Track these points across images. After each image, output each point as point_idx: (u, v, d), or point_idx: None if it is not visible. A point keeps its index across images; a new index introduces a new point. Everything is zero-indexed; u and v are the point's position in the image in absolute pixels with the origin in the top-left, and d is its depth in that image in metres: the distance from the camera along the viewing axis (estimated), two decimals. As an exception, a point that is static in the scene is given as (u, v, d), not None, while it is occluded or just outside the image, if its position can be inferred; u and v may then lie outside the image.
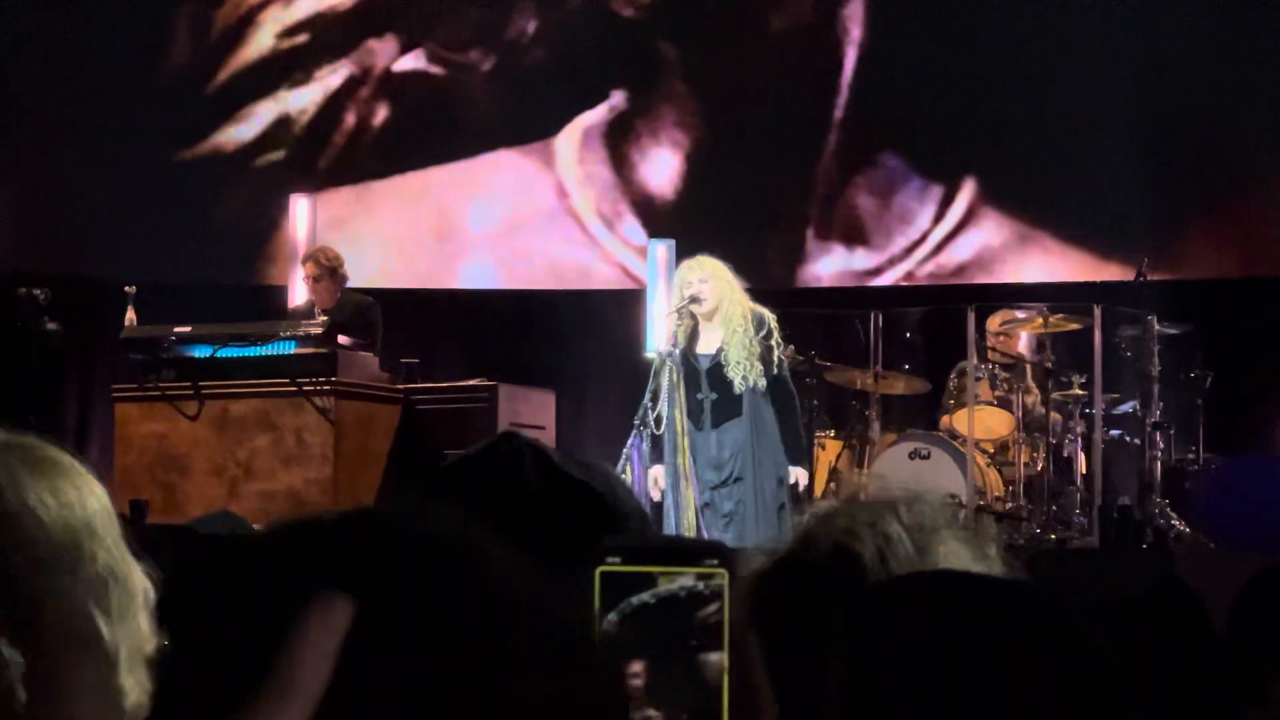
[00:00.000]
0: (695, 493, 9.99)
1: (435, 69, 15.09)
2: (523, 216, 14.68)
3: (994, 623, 1.53)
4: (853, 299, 13.70)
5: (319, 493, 10.95)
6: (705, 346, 10.04)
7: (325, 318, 11.57)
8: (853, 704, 1.53)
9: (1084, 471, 11.76)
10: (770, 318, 10.04)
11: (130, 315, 11.90)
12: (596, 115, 14.95)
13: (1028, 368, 12.06)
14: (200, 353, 11.43)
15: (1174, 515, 11.33)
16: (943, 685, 1.50)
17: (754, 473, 9.93)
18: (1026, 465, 11.68)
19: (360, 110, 15.12)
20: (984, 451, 11.76)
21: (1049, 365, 11.79)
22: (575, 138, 14.97)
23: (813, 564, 1.98)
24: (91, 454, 14.06)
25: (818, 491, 11.67)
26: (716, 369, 9.96)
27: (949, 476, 11.23)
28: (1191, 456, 11.79)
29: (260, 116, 15.05)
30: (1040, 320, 11.86)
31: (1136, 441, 11.76)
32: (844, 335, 13.04)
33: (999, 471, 11.76)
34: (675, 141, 14.88)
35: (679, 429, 9.98)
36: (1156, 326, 11.66)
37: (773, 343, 10.00)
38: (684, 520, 9.99)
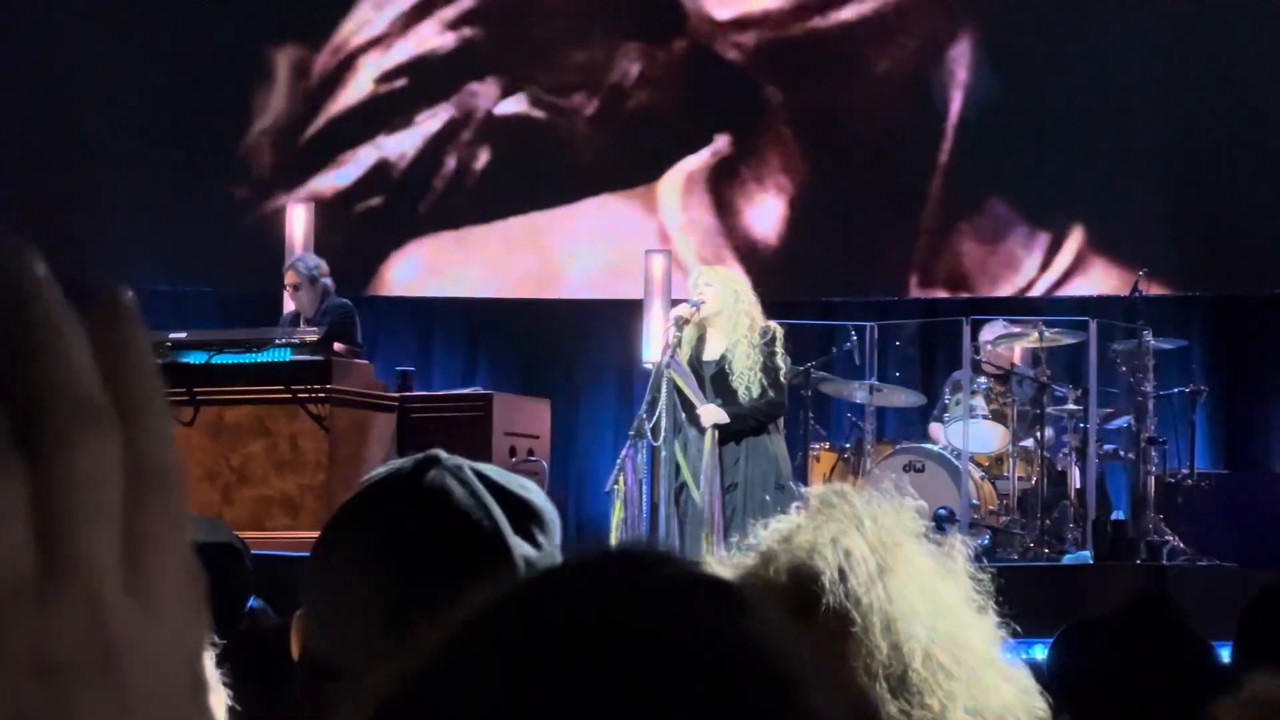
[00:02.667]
0: (712, 500, 9.93)
1: (537, 112, 14.90)
2: (624, 262, 14.23)
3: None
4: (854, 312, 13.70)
5: (313, 499, 10.95)
6: (709, 353, 10.06)
7: (310, 326, 11.59)
8: None
9: (1078, 486, 11.76)
10: (777, 330, 10.07)
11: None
12: (700, 159, 14.74)
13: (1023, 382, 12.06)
14: (196, 359, 11.43)
15: (1168, 531, 11.33)
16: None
17: (751, 481, 9.93)
18: (1020, 479, 11.68)
19: (461, 154, 14.92)
20: (978, 465, 11.76)
21: (1044, 379, 11.79)
22: (678, 182, 14.75)
23: (771, 583, 1.94)
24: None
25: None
26: (720, 375, 9.97)
27: (943, 489, 11.23)
28: (1186, 472, 11.79)
29: (360, 161, 14.92)
30: (1035, 334, 11.87)
31: (1131, 456, 11.76)
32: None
33: (993, 485, 11.76)
34: (779, 186, 14.65)
35: (675, 439, 9.98)
36: (1151, 341, 11.66)
37: (776, 350, 10.01)
38: (681, 531, 9.98)
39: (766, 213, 14.70)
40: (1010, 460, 11.64)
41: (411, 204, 14.91)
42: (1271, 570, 9.90)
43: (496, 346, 14.89)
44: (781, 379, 10.10)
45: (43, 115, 14.33)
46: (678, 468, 9.96)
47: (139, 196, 14.29)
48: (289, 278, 12.01)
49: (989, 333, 12.11)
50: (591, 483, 13.30)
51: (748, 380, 9.91)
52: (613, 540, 9.96)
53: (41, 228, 14.22)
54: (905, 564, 1.96)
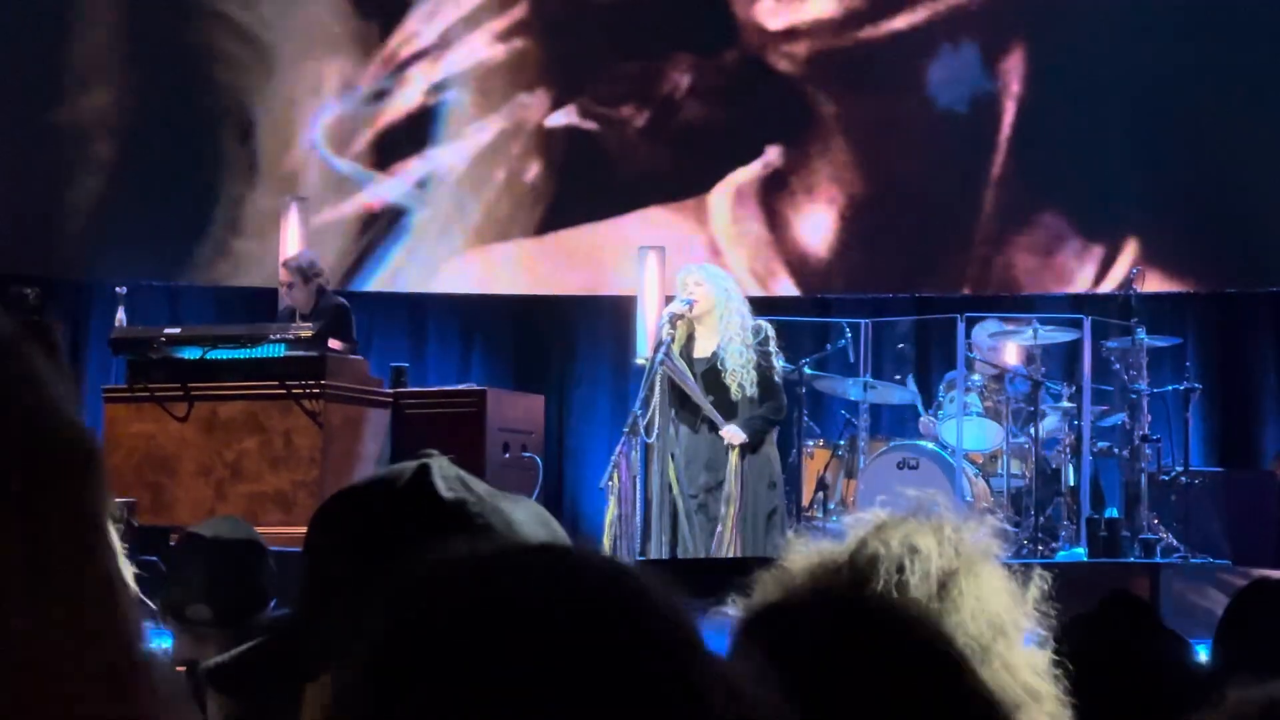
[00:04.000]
0: (680, 501, 10.00)
1: (588, 124, 14.78)
2: (674, 274, 14.20)
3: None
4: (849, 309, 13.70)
5: (306, 495, 10.95)
6: (700, 350, 10.08)
7: (305, 321, 11.59)
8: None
9: (1071, 484, 11.77)
10: (769, 329, 10.10)
11: (120, 316, 11.91)
12: (750, 171, 14.61)
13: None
14: (190, 354, 11.43)
15: (1161, 528, 11.34)
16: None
17: (748, 480, 9.95)
18: (1014, 476, 11.69)
19: (511, 166, 14.84)
20: (972, 462, 11.77)
21: (1038, 377, 11.80)
22: (729, 194, 14.63)
23: (834, 561, 1.97)
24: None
25: (805, 500, 11.69)
26: (712, 372, 9.99)
27: (937, 487, 11.21)
28: (1180, 469, 11.80)
29: (409, 174, 14.84)
30: (1030, 332, 11.88)
31: (1124, 454, 11.77)
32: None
33: (987, 483, 11.77)
34: (829, 198, 14.51)
35: (668, 436, 10.00)
36: (1145, 339, 11.67)
37: (770, 350, 10.05)
38: (674, 527, 10.00)
39: (817, 224, 14.55)
40: (1004, 458, 11.65)
41: (462, 216, 14.85)
42: (1265, 567, 9.92)
43: (490, 342, 14.88)
44: (777, 379, 10.16)
45: (53, 111, 14.32)
46: (672, 456, 9.99)
47: (136, 193, 14.28)
48: (283, 275, 12.02)
49: (983, 330, 12.11)
50: (585, 479, 13.32)
51: (740, 378, 9.94)
52: (606, 537, 9.98)
53: (36, 223, 14.22)
54: (974, 578, 1.98)
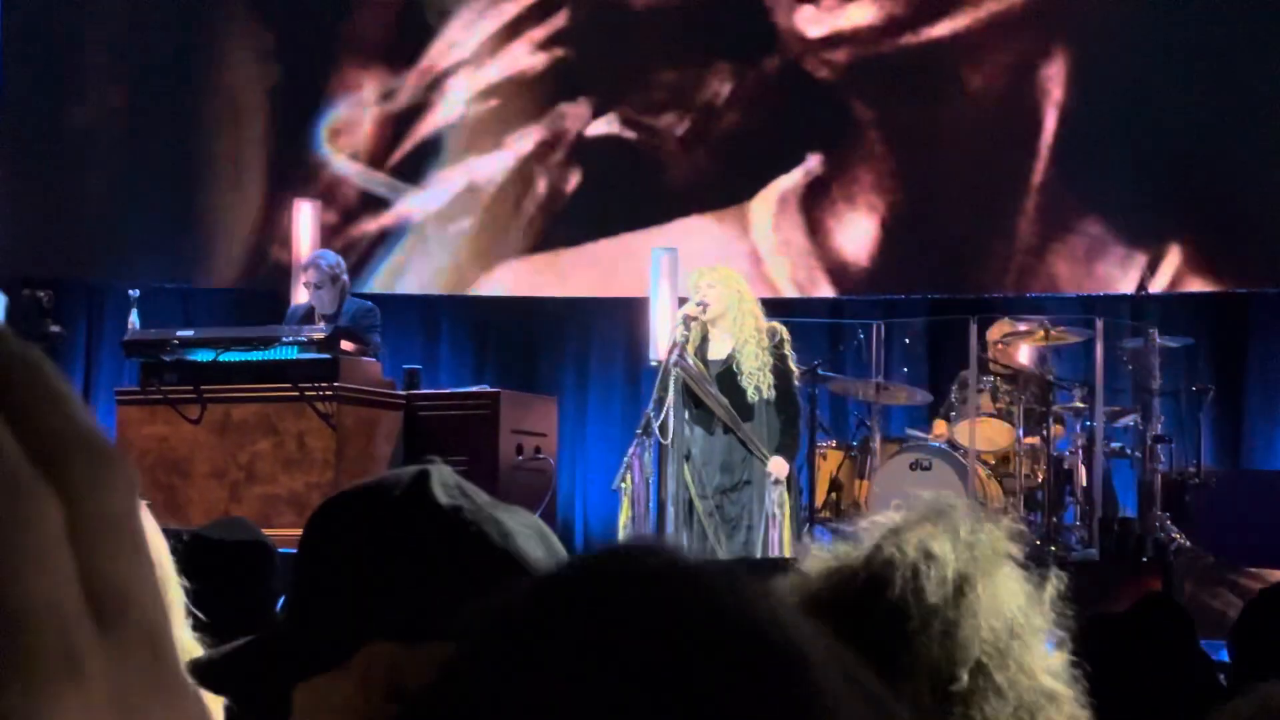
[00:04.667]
0: (697, 503, 10.02)
1: (628, 133, 14.74)
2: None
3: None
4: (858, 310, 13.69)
5: (320, 497, 10.89)
6: (715, 352, 10.09)
7: (324, 322, 11.59)
8: None
9: (1084, 484, 11.76)
10: (783, 332, 10.11)
11: (133, 319, 11.92)
12: (791, 179, 14.54)
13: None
14: (203, 357, 11.44)
15: (1175, 529, 11.33)
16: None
17: (761, 478, 9.96)
18: (1027, 477, 11.68)
19: (552, 176, 14.81)
20: (985, 463, 11.77)
21: (1050, 378, 11.79)
22: (770, 203, 14.57)
23: (848, 567, 1.98)
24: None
25: (818, 501, 11.69)
26: (727, 374, 10.00)
27: (950, 488, 11.23)
28: (1192, 470, 11.80)
29: (449, 184, 14.83)
30: (1042, 332, 11.87)
31: (1137, 455, 11.76)
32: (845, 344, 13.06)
33: (1000, 483, 11.76)
34: (870, 205, 14.44)
35: (683, 437, 10.00)
36: (1158, 340, 11.66)
37: (786, 353, 10.06)
38: (691, 528, 10.00)
39: (858, 232, 14.48)
40: (1017, 458, 11.64)
41: (502, 227, 14.83)
42: (1278, 568, 9.91)
43: (503, 344, 14.89)
44: (795, 383, 10.19)
45: (66, 114, 14.34)
46: (687, 458, 10.00)
47: (148, 194, 14.30)
48: (309, 276, 11.93)
49: (996, 331, 12.11)
50: (598, 481, 13.32)
51: (757, 380, 9.94)
52: (619, 539, 9.99)
53: (51, 225, 14.25)
54: (990, 582, 1.98)
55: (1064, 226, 14.16)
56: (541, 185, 14.81)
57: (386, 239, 14.82)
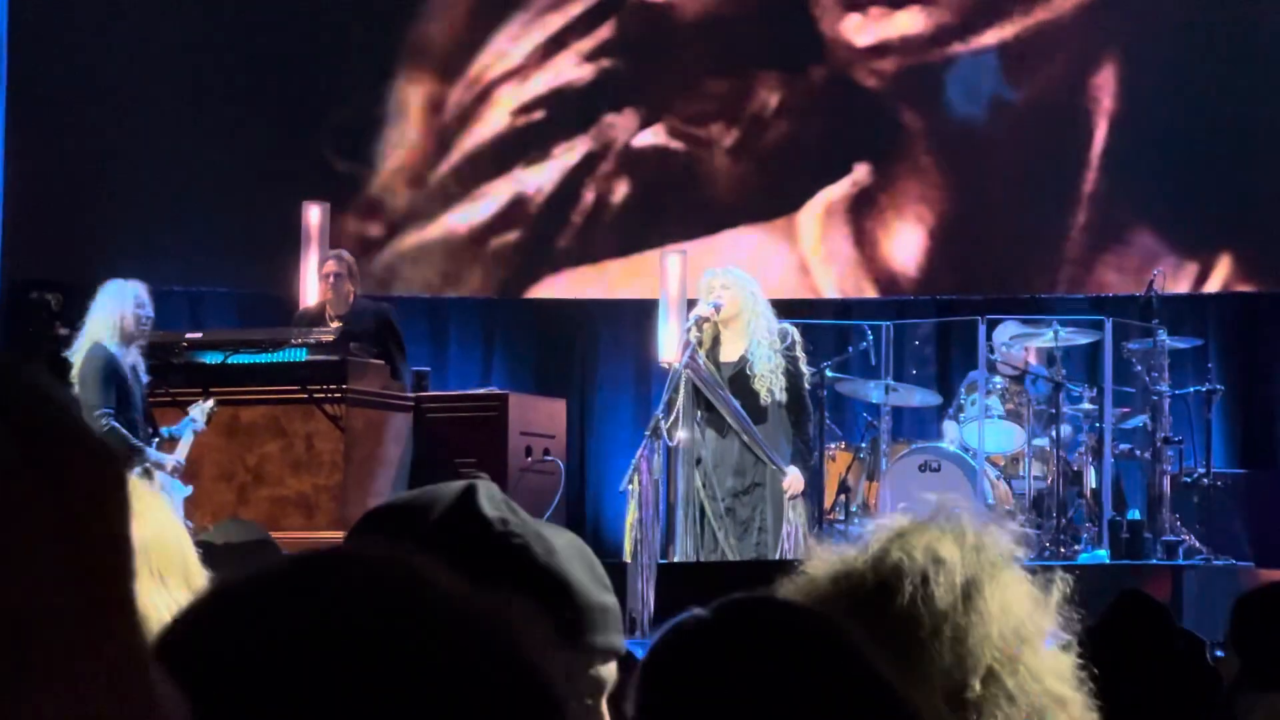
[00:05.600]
0: (707, 504, 10.02)
1: (675, 143, 14.64)
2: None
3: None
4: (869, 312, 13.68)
5: (328, 499, 10.97)
6: (727, 355, 10.09)
7: (338, 323, 11.60)
8: None
9: (1093, 486, 11.76)
10: (795, 333, 10.11)
11: (142, 321, 11.91)
12: (839, 189, 14.43)
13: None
14: (212, 359, 11.45)
15: (1184, 530, 11.32)
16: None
17: (773, 481, 9.96)
18: (1036, 479, 11.68)
19: (599, 187, 14.71)
20: (994, 465, 11.76)
21: (1059, 379, 11.79)
22: (818, 213, 14.46)
23: (855, 572, 1.98)
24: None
25: (827, 502, 11.69)
26: (740, 376, 10.00)
27: (959, 489, 11.23)
28: (1201, 471, 11.79)
29: (496, 196, 14.76)
30: (1051, 334, 11.87)
31: (1146, 455, 11.76)
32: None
33: (1008, 485, 11.76)
34: (918, 216, 14.33)
35: (694, 440, 10.00)
36: (1166, 340, 11.66)
37: (797, 354, 10.06)
38: (699, 530, 10.00)
39: (906, 242, 14.37)
40: (1026, 460, 11.64)
41: (549, 238, 14.80)
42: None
43: (512, 346, 14.89)
44: (806, 386, 10.19)
45: (75, 118, 14.34)
46: (698, 460, 10.00)
47: (157, 198, 14.30)
48: (331, 266, 11.91)
49: (1004, 332, 12.11)
50: (607, 483, 13.31)
51: (770, 382, 9.95)
52: (627, 540, 9.98)
53: (60, 228, 14.25)
54: (998, 586, 1.98)
55: (1115, 236, 14.02)
56: (589, 196, 14.75)
57: (431, 250, 14.77)
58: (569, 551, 1.87)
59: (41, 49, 14.24)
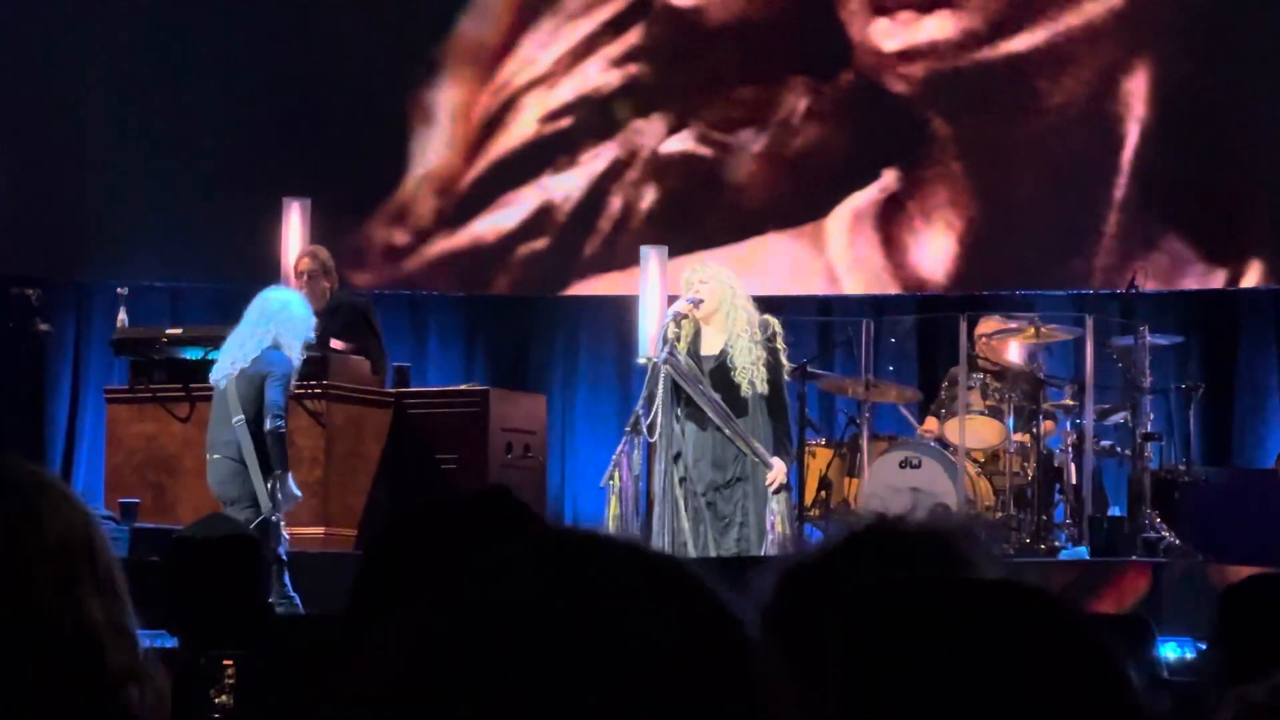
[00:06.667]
0: (684, 499, 10.01)
1: (703, 150, 14.59)
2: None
3: (998, 628, 1.50)
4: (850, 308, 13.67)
5: (309, 495, 10.95)
6: (708, 348, 10.08)
7: (315, 319, 11.57)
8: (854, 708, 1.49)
9: (1074, 482, 11.76)
10: (775, 324, 10.11)
11: (122, 317, 11.90)
12: (867, 195, 14.36)
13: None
14: (192, 355, 11.43)
15: (1164, 526, 11.33)
16: (948, 693, 1.47)
17: (754, 474, 9.96)
18: (1016, 475, 11.68)
19: (627, 194, 14.68)
20: (974, 461, 11.77)
21: (1040, 375, 11.79)
22: (846, 219, 14.40)
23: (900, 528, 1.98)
24: (81, 454, 14.06)
25: (807, 499, 11.69)
26: (720, 370, 10.00)
27: (939, 485, 11.23)
28: (1182, 468, 11.80)
29: (523, 203, 14.72)
30: (1032, 330, 11.88)
31: (1127, 452, 11.76)
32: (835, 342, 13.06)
33: (989, 481, 11.76)
34: (947, 222, 14.27)
35: (673, 435, 10.00)
36: (1148, 337, 11.67)
37: (778, 345, 10.06)
38: (677, 526, 10.00)
39: (935, 249, 14.33)
40: (1006, 456, 11.64)
41: (577, 245, 14.76)
42: (1267, 566, 9.91)
43: (493, 342, 14.88)
44: (786, 378, 10.20)
45: (55, 114, 14.31)
46: (678, 456, 10.00)
47: (137, 193, 14.28)
48: (304, 264, 11.81)
49: (985, 328, 12.11)
50: (587, 478, 13.31)
51: (750, 374, 9.95)
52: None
53: (40, 223, 14.23)
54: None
55: (1145, 243, 13.95)
56: (616, 203, 14.72)
57: (461, 258, 14.74)
58: None
59: (20, 44, 14.21)
